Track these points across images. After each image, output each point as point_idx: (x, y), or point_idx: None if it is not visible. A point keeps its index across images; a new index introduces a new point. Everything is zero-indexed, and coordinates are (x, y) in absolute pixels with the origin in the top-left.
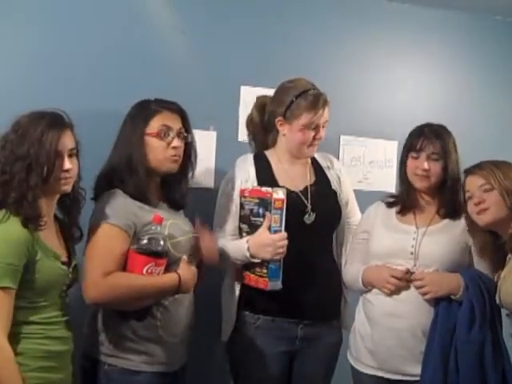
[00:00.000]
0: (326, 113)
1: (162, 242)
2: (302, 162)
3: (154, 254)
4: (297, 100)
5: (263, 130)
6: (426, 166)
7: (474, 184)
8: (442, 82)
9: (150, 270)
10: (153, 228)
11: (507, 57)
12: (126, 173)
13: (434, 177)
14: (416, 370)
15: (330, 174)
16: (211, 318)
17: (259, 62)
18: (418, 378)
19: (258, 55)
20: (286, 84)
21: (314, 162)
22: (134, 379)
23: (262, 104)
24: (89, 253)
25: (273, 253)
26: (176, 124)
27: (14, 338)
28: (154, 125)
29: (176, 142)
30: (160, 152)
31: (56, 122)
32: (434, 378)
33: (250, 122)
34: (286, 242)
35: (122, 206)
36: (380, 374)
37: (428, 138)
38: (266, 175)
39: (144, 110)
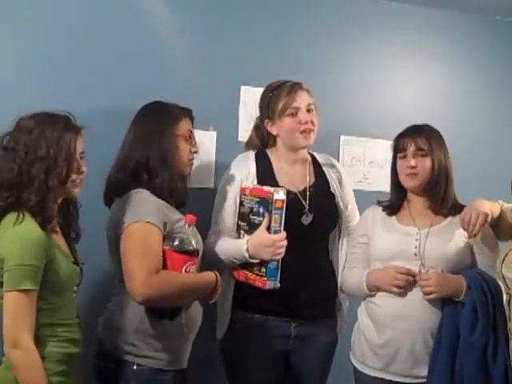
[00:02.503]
0: (305, 96)
1: (193, 241)
2: (302, 162)
3: (191, 253)
4: (273, 94)
5: (263, 146)
6: (412, 162)
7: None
8: (442, 82)
9: (188, 269)
10: (186, 227)
11: (507, 57)
12: (160, 171)
13: (422, 173)
14: (423, 372)
15: (330, 176)
16: (208, 316)
17: (259, 61)
18: (424, 380)
19: (257, 55)
20: (263, 91)
21: (315, 162)
22: (162, 378)
23: (258, 125)
24: (131, 252)
25: (273, 253)
26: (193, 130)
27: (37, 341)
28: (182, 127)
29: (196, 147)
30: (185, 154)
31: (71, 124)
32: (441, 381)
33: (250, 144)
34: (285, 243)
35: (155, 205)
36: (386, 376)
37: (411, 135)
38: (266, 173)
39: (169, 113)
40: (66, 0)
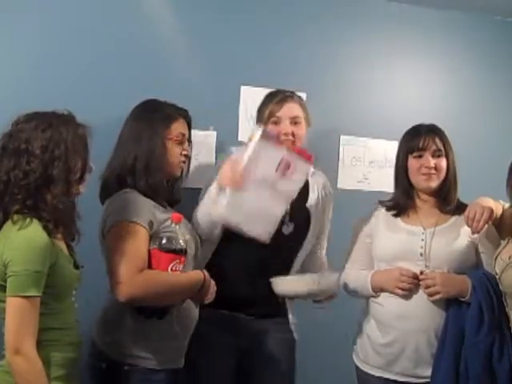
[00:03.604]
0: (293, 107)
1: (180, 240)
2: None
3: (177, 252)
4: (264, 101)
5: None
6: (432, 163)
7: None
8: (442, 82)
9: (174, 268)
10: (172, 226)
11: (507, 57)
12: (143, 173)
13: (441, 173)
14: (425, 372)
15: (313, 193)
16: None
17: (259, 61)
18: (427, 380)
19: (258, 55)
20: (263, 97)
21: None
22: (153, 378)
23: None
24: (117, 251)
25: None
26: (187, 132)
27: (37, 345)
28: (174, 130)
29: (188, 150)
30: (176, 157)
31: (80, 124)
32: (446, 381)
33: None
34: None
35: (142, 205)
36: (390, 376)
37: (428, 136)
38: None
39: (161, 114)
40: (66, 0)
